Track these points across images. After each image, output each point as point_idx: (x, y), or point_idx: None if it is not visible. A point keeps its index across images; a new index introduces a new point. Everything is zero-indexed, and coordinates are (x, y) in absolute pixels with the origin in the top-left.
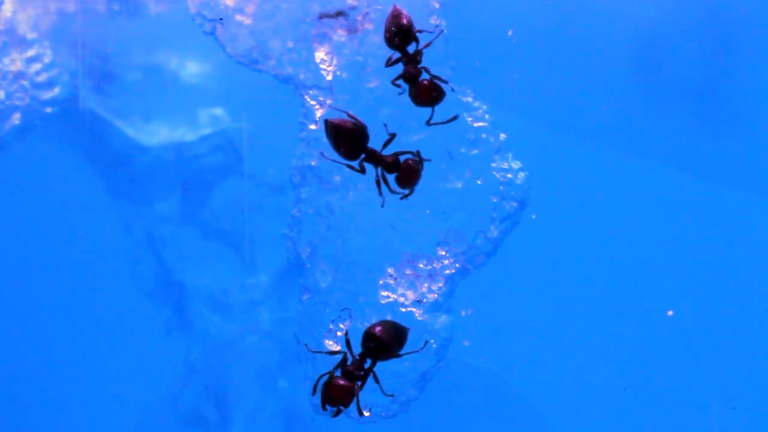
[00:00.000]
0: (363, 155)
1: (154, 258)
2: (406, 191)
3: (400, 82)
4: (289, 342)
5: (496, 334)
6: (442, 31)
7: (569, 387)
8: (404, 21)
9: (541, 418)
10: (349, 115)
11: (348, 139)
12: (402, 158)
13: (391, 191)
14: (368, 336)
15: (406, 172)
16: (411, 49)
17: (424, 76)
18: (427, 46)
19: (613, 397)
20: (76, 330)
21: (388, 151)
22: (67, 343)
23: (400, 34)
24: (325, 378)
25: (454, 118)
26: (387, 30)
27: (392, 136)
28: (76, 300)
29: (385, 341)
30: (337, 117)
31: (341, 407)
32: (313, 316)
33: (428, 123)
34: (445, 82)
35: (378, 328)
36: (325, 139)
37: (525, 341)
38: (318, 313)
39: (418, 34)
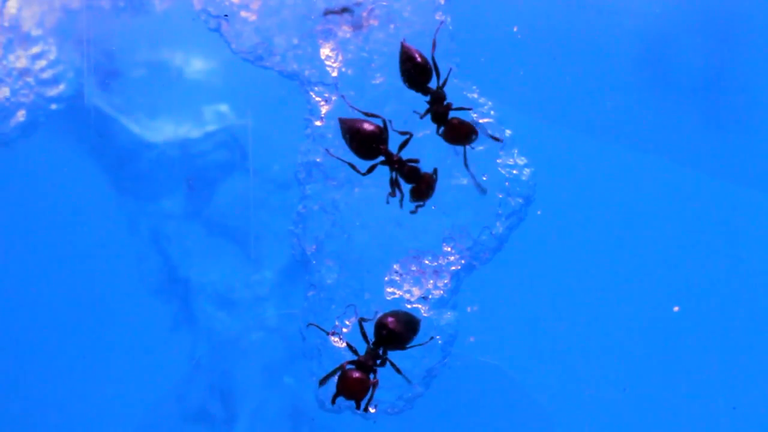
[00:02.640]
0: (381, 157)
1: (159, 254)
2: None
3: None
4: (295, 338)
5: (502, 331)
6: (447, 26)
7: (574, 383)
8: (418, 58)
9: (546, 414)
10: (366, 114)
11: (364, 140)
12: (413, 166)
13: (403, 195)
14: (381, 326)
15: (423, 187)
16: (432, 84)
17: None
18: (445, 82)
19: (616, 394)
20: (82, 326)
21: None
22: (72, 340)
23: (417, 72)
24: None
25: (497, 139)
26: (403, 71)
27: (409, 136)
28: (82, 296)
29: (398, 332)
30: (352, 117)
31: (355, 400)
32: (319, 312)
33: (465, 164)
34: (469, 108)
35: (390, 319)
36: (330, 135)
37: (530, 337)
38: (323, 309)
39: (434, 59)
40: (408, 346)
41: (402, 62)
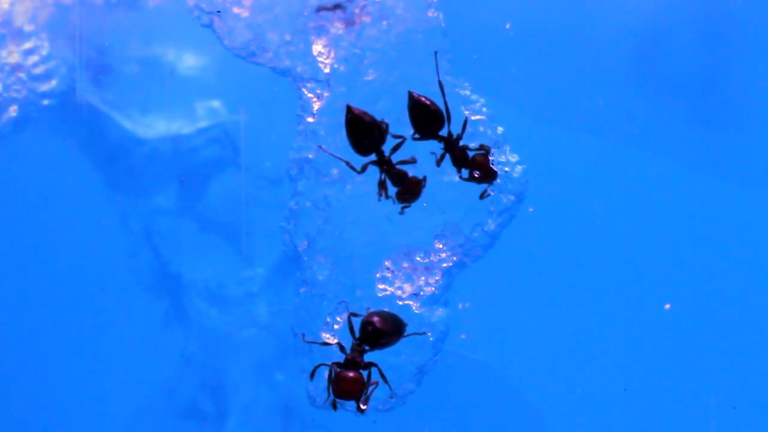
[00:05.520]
0: (374, 156)
1: (150, 251)
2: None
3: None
4: (286, 335)
5: (494, 328)
6: (440, 23)
7: (566, 380)
8: (430, 105)
9: (537, 412)
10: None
11: (361, 133)
12: (401, 170)
13: (388, 198)
14: (367, 323)
15: (409, 190)
16: (444, 132)
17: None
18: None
19: (610, 392)
20: (73, 323)
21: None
22: (63, 336)
23: (430, 121)
24: (322, 368)
25: (490, 180)
26: (413, 121)
27: (402, 140)
28: (73, 293)
29: (383, 329)
30: (360, 108)
31: (354, 400)
32: (310, 308)
33: (482, 197)
34: (488, 149)
35: (376, 318)
36: (322, 132)
37: (522, 334)
38: (315, 306)
39: (446, 103)
40: (400, 339)
41: (412, 112)
